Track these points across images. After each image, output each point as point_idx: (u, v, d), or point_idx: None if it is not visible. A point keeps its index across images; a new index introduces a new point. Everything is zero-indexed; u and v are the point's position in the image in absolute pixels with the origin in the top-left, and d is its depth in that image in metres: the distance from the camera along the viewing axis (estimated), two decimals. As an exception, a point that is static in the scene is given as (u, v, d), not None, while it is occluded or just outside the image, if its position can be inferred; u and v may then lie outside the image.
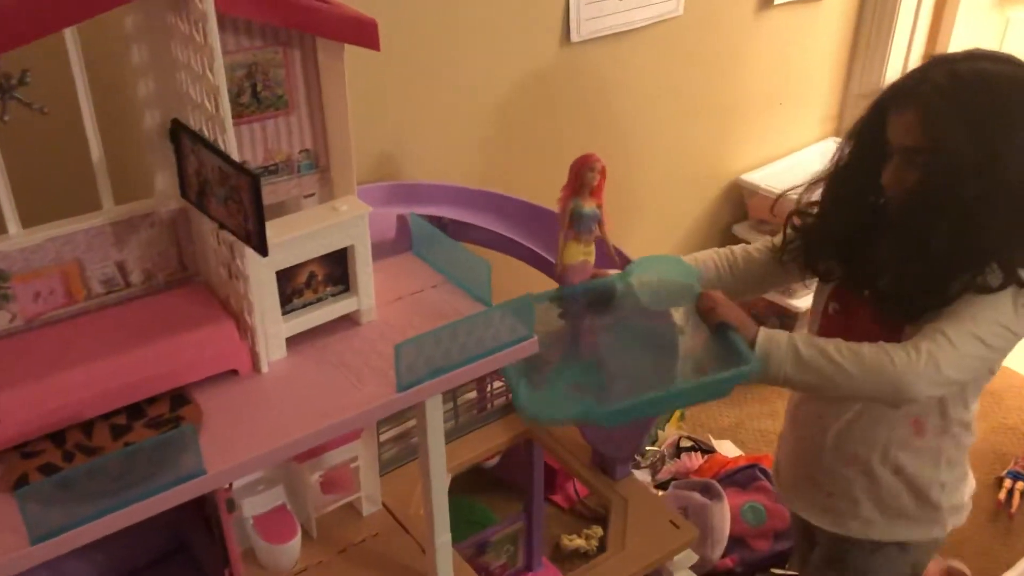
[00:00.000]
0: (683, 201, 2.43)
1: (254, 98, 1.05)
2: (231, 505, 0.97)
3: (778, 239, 1.40)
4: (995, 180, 1.14)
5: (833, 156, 1.33)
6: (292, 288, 1.06)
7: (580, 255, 1.27)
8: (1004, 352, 1.22)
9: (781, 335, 1.21)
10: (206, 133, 0.95)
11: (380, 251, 1.32)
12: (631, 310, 1.29)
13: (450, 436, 1.60)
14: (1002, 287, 1.17)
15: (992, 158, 1.13)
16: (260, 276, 1.01)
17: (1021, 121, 1.15)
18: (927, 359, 1.14)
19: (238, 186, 0.91)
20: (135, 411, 0.98)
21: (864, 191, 1.28)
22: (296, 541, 1.27)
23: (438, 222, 1.54)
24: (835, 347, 1.17)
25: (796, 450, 1.48)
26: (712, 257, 1.43)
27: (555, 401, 1.19)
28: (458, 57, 1.75)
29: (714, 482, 1.94)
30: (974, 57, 1.20)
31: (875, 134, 1.25)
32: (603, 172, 1.24)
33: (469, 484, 1.89)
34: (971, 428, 1.36)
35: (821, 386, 1.20)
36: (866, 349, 1.17)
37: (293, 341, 1.08)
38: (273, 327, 1.05)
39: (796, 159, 2.58)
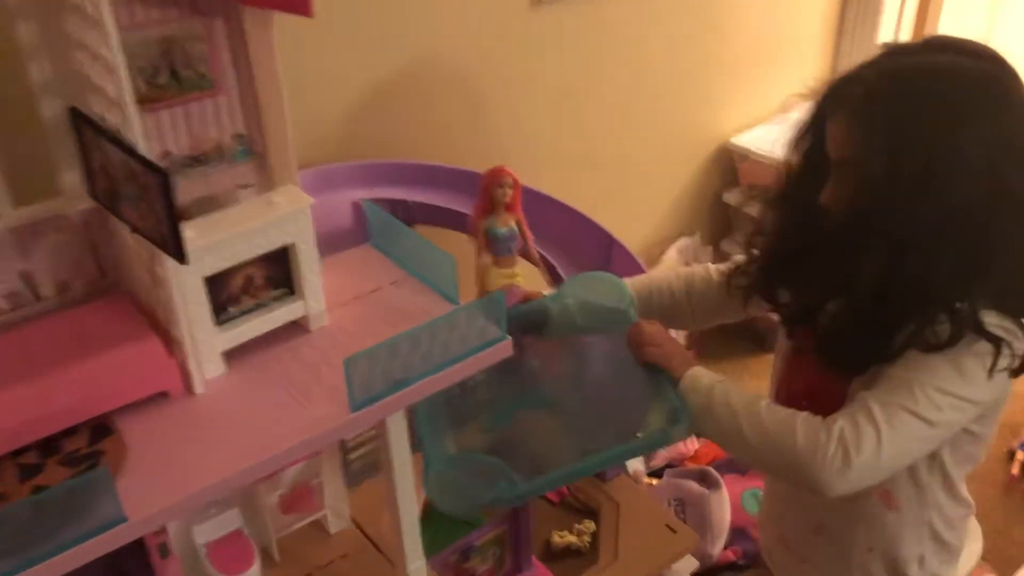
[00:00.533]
0: (670, 168, 2.29)
1: (173, 79, 0.90)
2: (163, 551, 0.85)
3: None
4: (935, 203, 0.93)
5: (780, 168, 1.13)
6: (227, 294, 0.93)
7: (502, 279, 1.16)
8: (958, 424, 1.00)
9: (705, 380, 1.05)
10: (110, 122, 0.81)
11: (336, 243, 1.19)
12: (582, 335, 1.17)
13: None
14: (951, 342, 0.95)
15: (930, 176, 0.93)
16: (186, 284, 0.88)
17: (971, 128, 0.93)
18: (836, 446, 0.93)
19: (147, 184, 0.77)
20: (49, 446, 0.85)
21: (810, 211, 1.06)
22: (253, 570, 1.14)
23: (403, 206, 1.41)
24: (747, 407, 1.00)
25: (769, 508, 1.32)
26: (669, 279, 1.25)
27: (467, 480, 1.05)
28: (413, 23, 1.60)
29: (711, 469, 1.82)
30: (929, 48, 1.00)
31: (816, 142, 1.06)
32: (516, 185, 1.13)
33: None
34: (961, 498, 1.15)
35: (727, 448, 1.06)
36: (774, 419, 0.98)
37: (233, 354, 0.95)
38: (206, 340, 0.92)
39: (788, 119, 2.45)
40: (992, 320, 0.97)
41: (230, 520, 1.17)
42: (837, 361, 1.04)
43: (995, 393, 1.01)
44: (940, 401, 0.96)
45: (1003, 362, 0.97)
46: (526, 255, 1.17)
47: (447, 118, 1.71)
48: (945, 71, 0.96)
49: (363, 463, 1.37)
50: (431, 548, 1.16)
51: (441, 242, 1.51)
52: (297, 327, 1.00)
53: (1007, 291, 0.98)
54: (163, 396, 0.90)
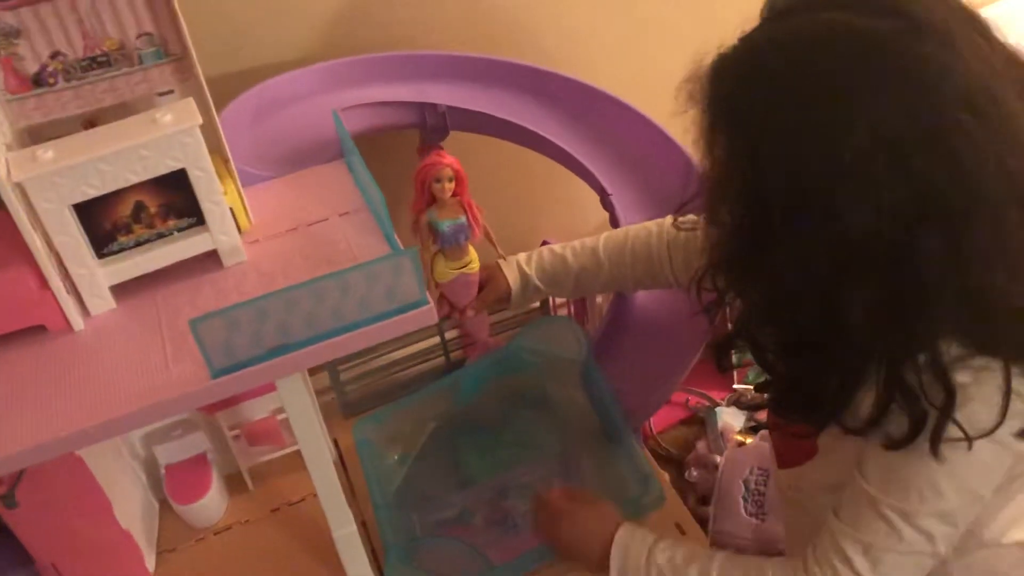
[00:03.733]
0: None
1: (47, -38, 0.77)
2: (8, 501, 0.79)
3: None
4: (814, 232, 0.66)
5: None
6: (112, 223, 0.81)
7: (452, 271, 1.01)
8: (970, 518, 0.75)
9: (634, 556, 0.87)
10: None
11: (322, 154, 1.05)
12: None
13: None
14: (912, 435, 0.69)
15: (796, 195, 0.66)
16: (49, 212, 0.77)
17: (852, 123, 0.63)
18: None
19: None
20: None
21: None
22: (205, 502, 1.08)
23: (433, 111, 1.22)
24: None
25: None
26: (649, 232, 1.04)
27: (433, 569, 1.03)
28: None
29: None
30: (812, 4, 0.67)
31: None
32: (457, 177, 0.96)
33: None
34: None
35: None
36: None
37: (131, 288, 0.85)
38: (85, 275, 0.82)
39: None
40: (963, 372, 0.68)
41: (194, 443, 1.11)
42: (778, 409, 0.84)
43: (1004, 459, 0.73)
44: (930, 527, 0.73)
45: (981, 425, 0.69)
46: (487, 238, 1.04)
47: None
48: (814, 39, 0.65)
49: (361, 392, 1.26)
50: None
51: (479, 151, 1.30)
52: (215, 260, 0.88)
53: (975, 317, 0.67)
54: (42, 330, 0.82)
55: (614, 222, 1.21)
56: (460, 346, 1.30)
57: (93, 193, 0.78)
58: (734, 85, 0.69)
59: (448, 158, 0.95)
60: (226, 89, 1.11)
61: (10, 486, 0.79)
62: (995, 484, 0.73)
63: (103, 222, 0.81)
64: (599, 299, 1.47)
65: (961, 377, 0.67)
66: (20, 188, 0.75)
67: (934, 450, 0.69)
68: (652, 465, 1.08)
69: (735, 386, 1.62)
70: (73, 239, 0.79)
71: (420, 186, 0.95)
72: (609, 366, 1.17)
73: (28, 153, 0.76)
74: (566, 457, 1.18)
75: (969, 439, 0.68)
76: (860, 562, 0.75)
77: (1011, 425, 0.69)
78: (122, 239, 0.83)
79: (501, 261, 1.06)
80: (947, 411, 0.67)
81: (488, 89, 1.26)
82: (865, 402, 0.72)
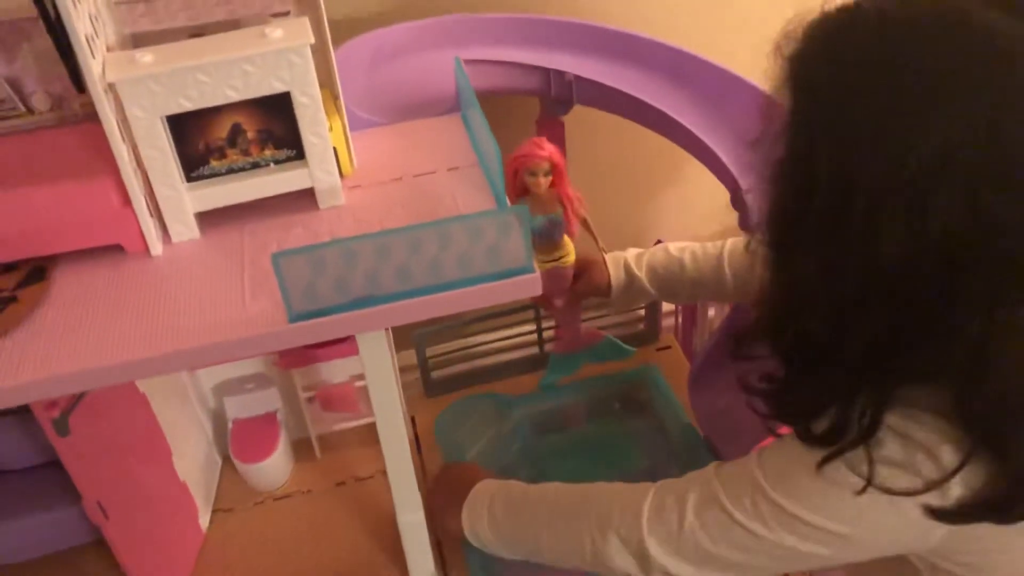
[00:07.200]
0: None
1: None
2: (60, 427, 0.73)
3: None
4: (853, 234, 0.56)
5: None
6: (205, 144, 0.75)
7: (544, 264, 0.92)
8: (818, 559, 0.66)
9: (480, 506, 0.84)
10: None
11: (438, 107, 0.97)
12: None
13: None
14: (825, 439, 0.62)
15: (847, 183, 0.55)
16: (139, 121, 0.71)
17: (947, 122, 0.51)
18: (619, 545, 0.74)
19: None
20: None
21: None
22: (269, 463, 1.01)
23: (559, 79, 1.13)
24: (546, 505, 0.81)
25: None
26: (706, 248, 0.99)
27: None
28: None
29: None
30: None
31: None
32: (556, 170, 0.87)
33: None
34: None
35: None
36: (572, 501, 0.80)
37: (215, 217, 0.78)
38: (171, 197, 0.75)
39: None
40: (908, 427, 0.60)
41: (266, 400, 1.05)
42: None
43: (901, 531, 0.62)
44: (769, 517, 0.65)
45: (883, 476, 0.60)
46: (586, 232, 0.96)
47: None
48: (927, 22, 0.53)
49: (446, 373, 1.18)
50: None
51: (600, 130, 1.23)
52: (310, 199, 0.80)
53: (968, 390, 0.58)
54: (119, 251, 0.76)
55: (744, 223, 1.09)
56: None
57: (189, 106, 0.71)
58: (818, 47, 0.58)
59: (547, 148, 0.86)
60: (345, 32, 1.05)
61: (64, 411, 0.73)
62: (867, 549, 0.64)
63: (196, 142, 0.74)
64: (711, 312, 1.36)
65: (902, 424, 0.60)
66: (113, 90, 0.69)
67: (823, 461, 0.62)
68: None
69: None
70: (162, 155, 0.73)
71: (512, 176, 0.86)
72: (721, 379, 1.05)
73: (126, 55, 0.71)
74: (655, 473, 1.07)
75: (869, 481, 0.60)
76: (689, 494, 0.70)
77: (920, 498, 0.59)
78: (215, 163, 0.76)
79: (608, 255, 0.96)
80: (865, 437, 0.60)
81: (620, 64, 1.16)
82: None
